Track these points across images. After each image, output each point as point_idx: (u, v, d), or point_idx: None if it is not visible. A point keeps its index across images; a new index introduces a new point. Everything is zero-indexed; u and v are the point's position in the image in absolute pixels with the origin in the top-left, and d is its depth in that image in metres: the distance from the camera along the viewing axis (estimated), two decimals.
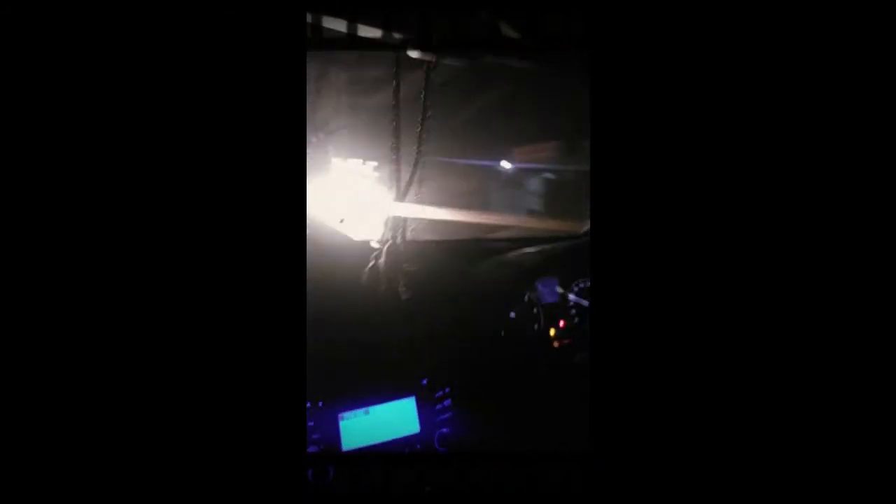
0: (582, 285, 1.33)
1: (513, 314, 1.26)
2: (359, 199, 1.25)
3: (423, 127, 1.10)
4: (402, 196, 1.12)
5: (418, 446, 1.00)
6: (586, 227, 1.45)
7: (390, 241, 1.12)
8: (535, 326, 1.27)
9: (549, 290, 1.30)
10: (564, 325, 1.28)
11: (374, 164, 1.33)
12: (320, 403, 0.96)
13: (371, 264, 1.11)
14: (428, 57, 1.00)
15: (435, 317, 1.13)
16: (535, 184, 1.67)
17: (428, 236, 1.28)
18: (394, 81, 1.06)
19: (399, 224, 1.14)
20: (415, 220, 1.17)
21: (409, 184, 1.11)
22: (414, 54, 0.98)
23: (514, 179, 1.63)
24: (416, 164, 1.11)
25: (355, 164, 1.34)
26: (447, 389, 1.05)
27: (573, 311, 1.32)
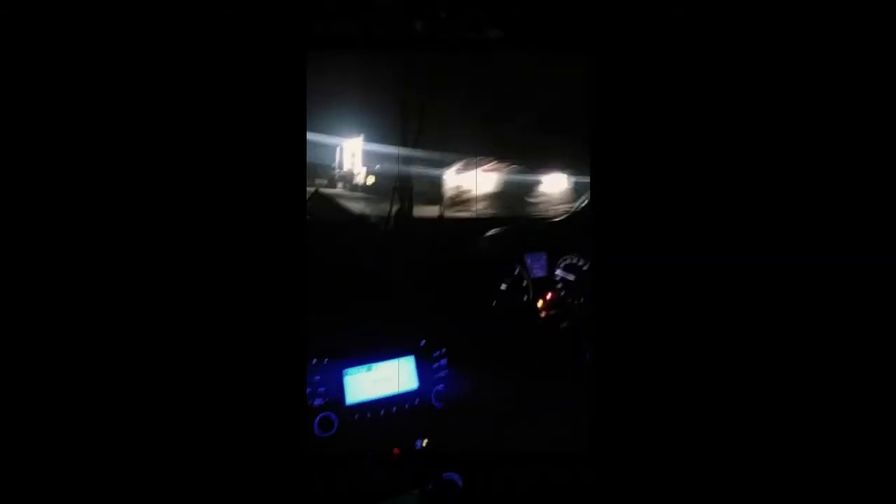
0: (569, 261, 1.42)
1: (503, 286, 1.35)
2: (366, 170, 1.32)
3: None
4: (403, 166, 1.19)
5: (417, 401, 1.07)
6: (576, 205, 1.54)
7: (395, 214, 1.19)
8: (525, 298, 1.36)
9: (538, 265, 1.39)
10: (552, 297, 1.37)
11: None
12: (326, 360, 1.03)
13: (378, 234, 1.19)
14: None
15: (433, 286, 1.21)
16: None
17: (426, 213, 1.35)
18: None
19: (405, 198, 1.21)
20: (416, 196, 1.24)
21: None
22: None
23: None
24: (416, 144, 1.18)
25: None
26: (443, 350, 1.12)
27: (560, 285, 1.40)
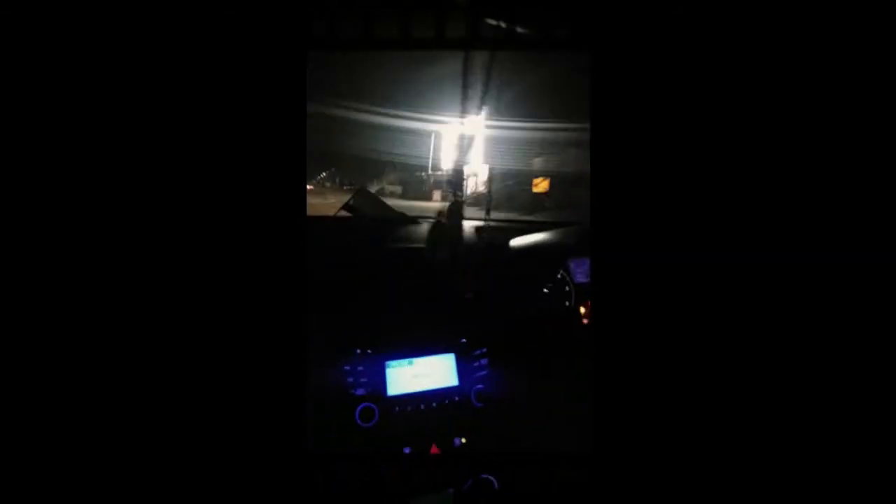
0: None
1: (546, 290, 1.34)
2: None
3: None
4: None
5: (456, 398, 1.07)
6: None
7: (447, 210, 1.19)
8: (567, 303, 1.34)
9: (582, 270, 1.37)
10: None
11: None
12: (369, 351, 1.04)
13: (430, 234, 1.20)
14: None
15: (477, 285, 1.21)
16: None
17: (475, 214, 1.35)
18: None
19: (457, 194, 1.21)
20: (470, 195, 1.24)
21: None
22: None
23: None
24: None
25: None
26: (484, 350, 1.12)
27: None
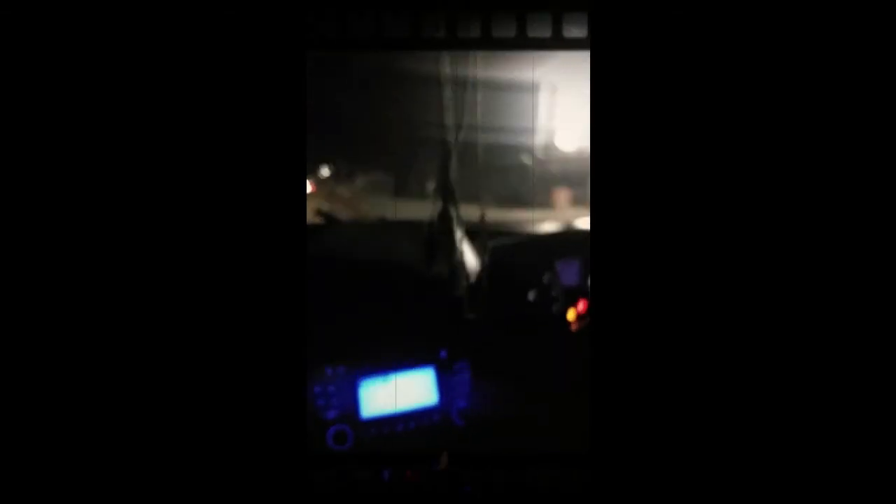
0: None
1: (531, 295, 1.27)
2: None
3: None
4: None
5: (436, 417, 1.01)
6: None
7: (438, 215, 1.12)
8: (554, 308, 1.28)
9: (570, 273, 1.30)
10: (584, 307, 1.28)
11: None
12: (341, 369, 0.97)
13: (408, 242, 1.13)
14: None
15: (457, 293, 1.14)
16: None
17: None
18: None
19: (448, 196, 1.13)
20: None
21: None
22: None
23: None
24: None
25: None
26: (466, 363, 1.06)
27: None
